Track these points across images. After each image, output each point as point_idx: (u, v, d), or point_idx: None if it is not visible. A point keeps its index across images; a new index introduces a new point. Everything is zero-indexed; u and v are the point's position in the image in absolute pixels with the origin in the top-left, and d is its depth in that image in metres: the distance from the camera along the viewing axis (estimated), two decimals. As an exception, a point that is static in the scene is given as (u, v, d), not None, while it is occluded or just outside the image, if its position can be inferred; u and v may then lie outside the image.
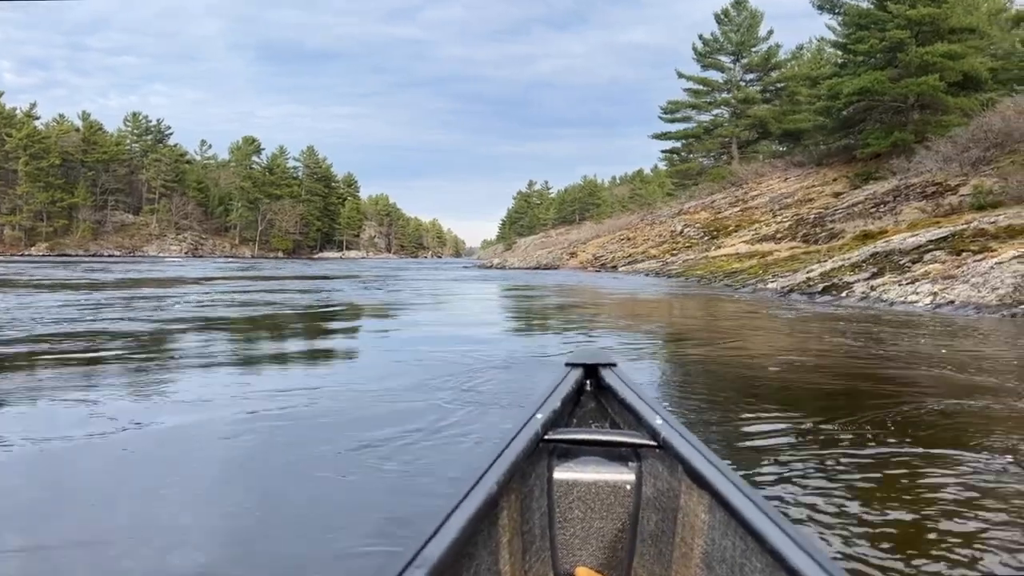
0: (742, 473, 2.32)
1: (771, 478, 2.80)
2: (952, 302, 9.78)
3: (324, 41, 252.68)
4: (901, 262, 12.61)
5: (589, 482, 1.76)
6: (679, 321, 10.54)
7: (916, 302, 10.27)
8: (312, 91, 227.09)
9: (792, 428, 3.60)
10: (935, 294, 10.21)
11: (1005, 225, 12.30)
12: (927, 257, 12.23)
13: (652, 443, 1.71)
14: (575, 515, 1.75)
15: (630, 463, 1.79)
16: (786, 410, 4.07)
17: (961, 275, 10.44)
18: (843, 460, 3.02)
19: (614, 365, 2.13)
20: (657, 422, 1.72)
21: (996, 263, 10.19)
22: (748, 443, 3.34)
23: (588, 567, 1.72)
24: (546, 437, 1.72)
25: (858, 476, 2.83)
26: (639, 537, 1.73)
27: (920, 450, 3.16)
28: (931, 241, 12.90)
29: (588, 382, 2.13)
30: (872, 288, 11.93)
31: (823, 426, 3.62)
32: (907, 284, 11.20)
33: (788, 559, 1.15)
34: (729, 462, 2.80)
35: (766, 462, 3.00)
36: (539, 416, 1.73)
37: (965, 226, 13.01)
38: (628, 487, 1.76)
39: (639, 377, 4.63)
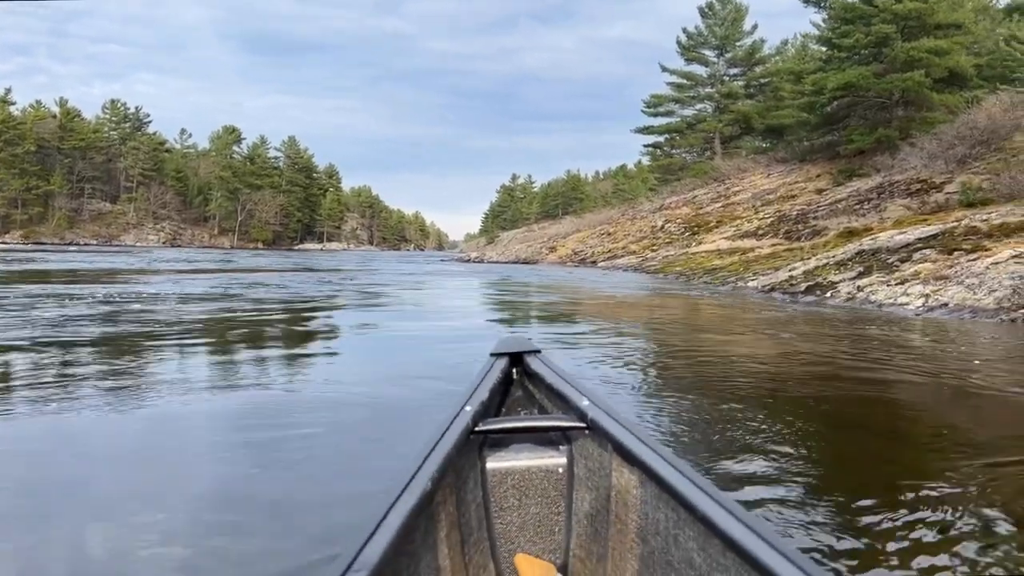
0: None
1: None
2: (946, 304, 9.16)
3: (312, 32, 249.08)
4: (889, 261, 12.01)
5: (522, 469, 1.75)
6: (648, 339, 9.88)
7: (907, 304, 9.64)
8: (299, 83, 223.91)
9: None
10: (927, 296, 9.58)
11: (999, 223, 11.70)
12: (916, 256, 11.63)
13: (581, 425, 1.72)
14: (510, 503, 1.74)
15: (561, 447, 1.79)
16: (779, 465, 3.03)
17: (954, 276, 9.82)
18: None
19: (539, 352, 2.12)
20: (584, 404, 1.73)
21: (992, 263, 9.58)
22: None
23: (527, 553, 1.71)
24: (476, 429, 1.72)
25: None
26: (574, 518, 1.74)
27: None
28: (920, 239, 12.31)
29: (515, 370, 2.13)
30: (859, 288, 11.31)
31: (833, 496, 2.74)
32: (896, 285, 10.59)
33: (719, 526, 1.15)
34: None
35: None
36: (468, 408, 1.73)
37: (956, 224, 12.43)
38: (560, 470, 1.76)
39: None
